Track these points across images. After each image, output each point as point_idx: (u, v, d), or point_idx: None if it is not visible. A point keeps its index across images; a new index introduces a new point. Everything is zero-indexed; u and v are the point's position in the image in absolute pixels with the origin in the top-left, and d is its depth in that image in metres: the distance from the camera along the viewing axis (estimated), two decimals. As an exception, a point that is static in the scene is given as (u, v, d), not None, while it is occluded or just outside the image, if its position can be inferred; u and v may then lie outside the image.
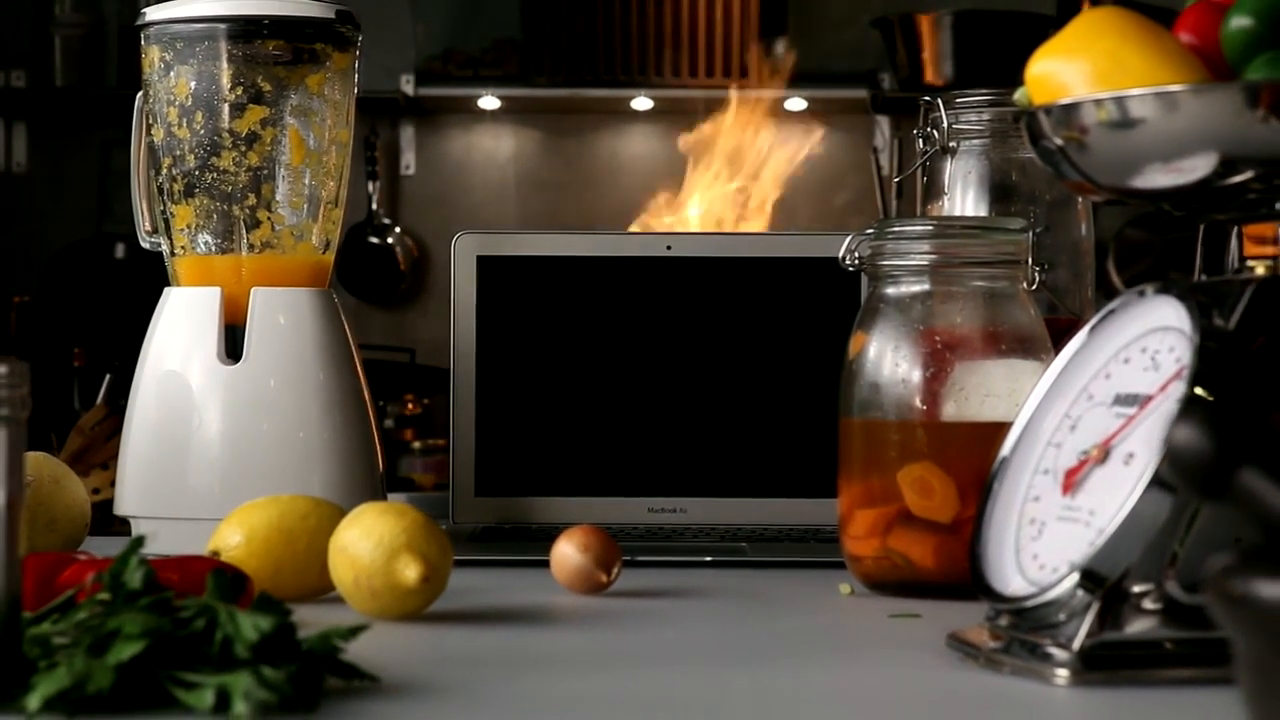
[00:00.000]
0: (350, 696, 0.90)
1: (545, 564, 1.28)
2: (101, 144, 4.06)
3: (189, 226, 1.47)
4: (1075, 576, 0.95)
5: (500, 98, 4.08)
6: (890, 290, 1.29)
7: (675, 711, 0.90)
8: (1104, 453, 0.99)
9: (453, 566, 1.16)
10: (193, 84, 1.46)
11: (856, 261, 1.33)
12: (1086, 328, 1.05)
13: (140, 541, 0.93)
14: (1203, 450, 0.62)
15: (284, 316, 1.45)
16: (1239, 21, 0.97)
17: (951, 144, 1.52)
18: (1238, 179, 0.96)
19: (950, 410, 1.26)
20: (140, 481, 1.44)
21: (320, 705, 0.87)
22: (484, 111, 4.17)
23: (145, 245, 1.51)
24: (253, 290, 1.45)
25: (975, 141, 1.51)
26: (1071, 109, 0.99)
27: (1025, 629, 0.98)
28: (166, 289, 1.49)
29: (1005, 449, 1.06)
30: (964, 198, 1.51)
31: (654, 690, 0.95)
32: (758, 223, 3.24)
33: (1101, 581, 0.94)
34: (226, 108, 1.46)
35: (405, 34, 4.05)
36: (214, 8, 1.45)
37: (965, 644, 1.02)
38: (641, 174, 4.15)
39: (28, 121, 4.09)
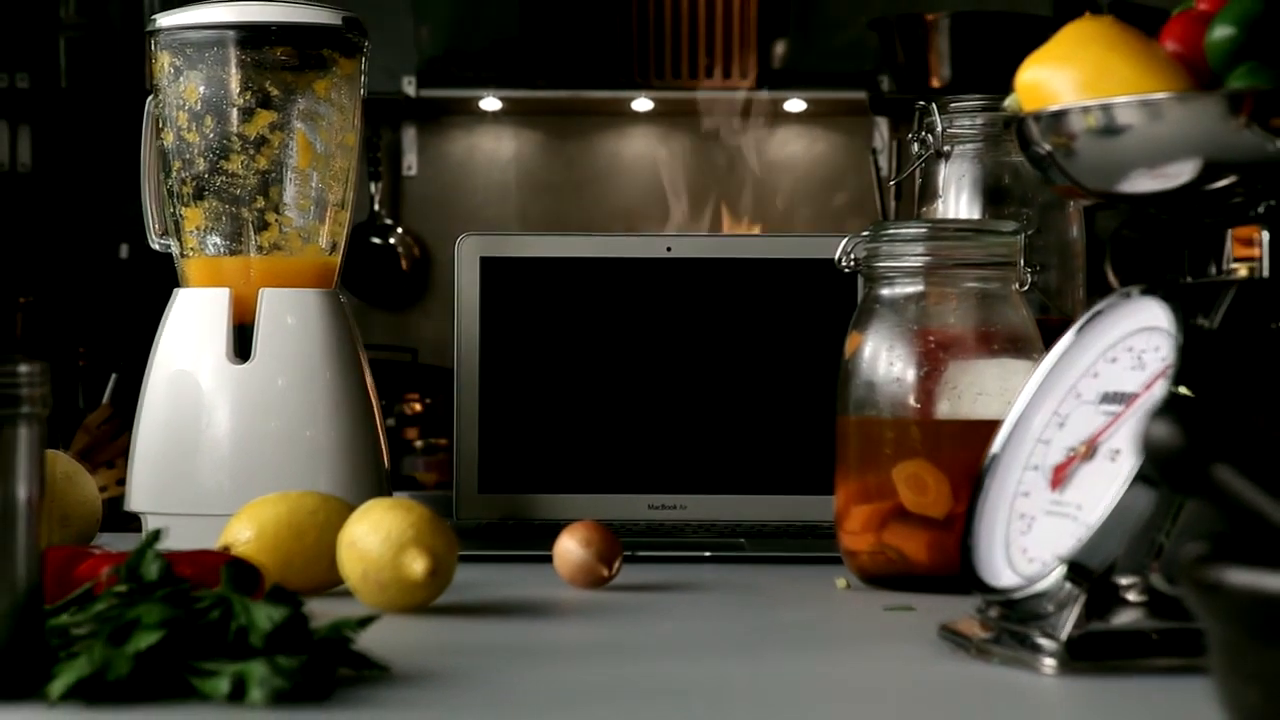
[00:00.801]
0: (361, 685, 0.93)
1: (548, 559, 1.30)
2: (105, 145, 4.08)
3: (198, 228, 1.50)
4: (1063, 569, 0.97)
5: (502, 99, 4.10)
6: (885, 291, 1.32)
7: (675, 699, 0.93)
8: (1091, 449, 1.02)
9: (458, 561, 1.19)
10: (202, 89, 1.49)
11: (852, 263, 1.36)
12: (1075, 328, 1.08)
13: (157, 535, 0.95)
14: (1175, 444, 0.65)
15: (292, 317, 1.48)
16: (1221, 31, 0.99)
17: (946, 148, 1.54)
18: (1221, 184, 0.99)
19: (944, 408, 1.29)
20: (151, 478, 1.47)
21: (333, 694, 0.90)
22: (485, 113, 4.20)
23: (155, 247, 1.54)
24: (261, 291, 1.48)
25: (969, 146, 1.54)
26: (1060, 116, 1.02)
27: (1014, 620, 1.01)
28: (176, 290, 1.51)
29: (996, 446, 1.09)
30: (958, 200, 1.54)
31: (654, 679, 0.97)
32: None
33: (1088, 574, 0.97)
34: (235, 112, 1.48)
35: (407, 35, 4.07)
36: (224, 14, 1.48)
37: (956, 635, 1.04)
38: (642, 175, 4.18)
39: (32, 122, 4.11)
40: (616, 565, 1.28)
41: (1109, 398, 1.03)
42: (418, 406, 3.93)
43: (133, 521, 1.51)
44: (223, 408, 1.46)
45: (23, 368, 0.88)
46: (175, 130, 1.50)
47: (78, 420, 3.07)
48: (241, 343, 1.47)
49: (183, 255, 1.52)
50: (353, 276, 3.97)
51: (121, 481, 2.26)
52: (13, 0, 3.99)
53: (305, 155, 1.49)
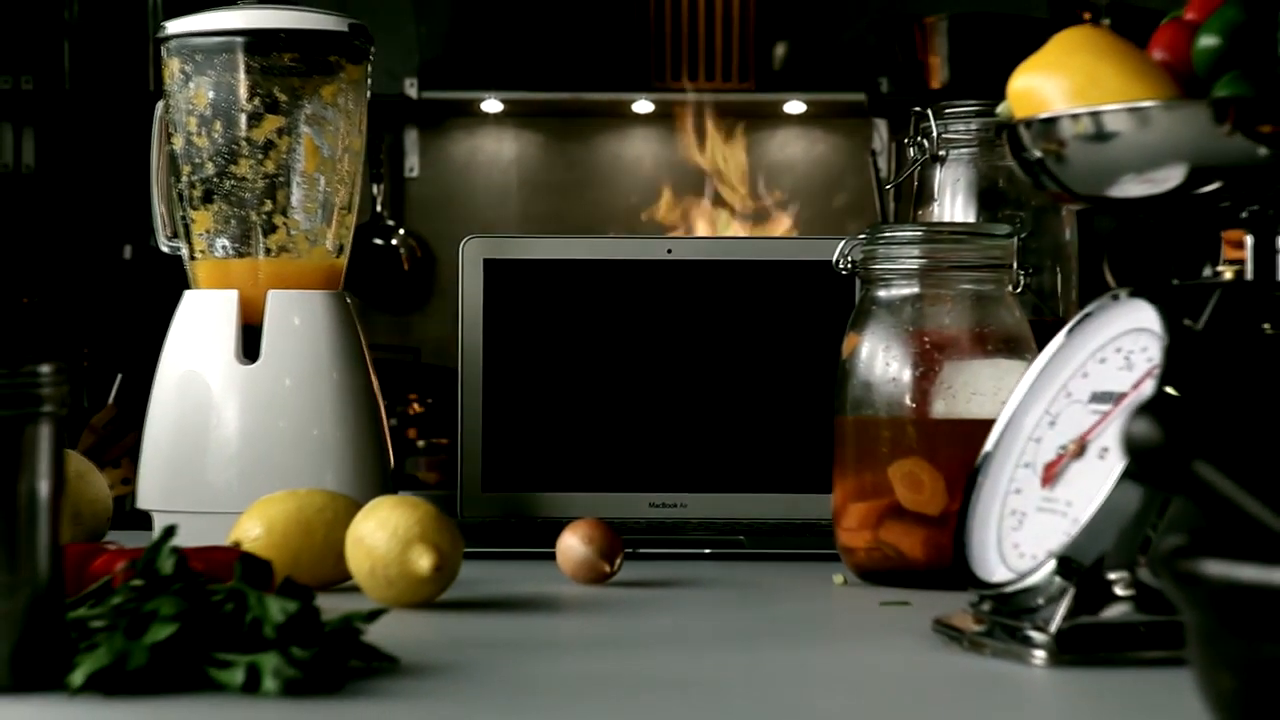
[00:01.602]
0: (371, 677, 0.95)
1: (551, 556, 1.33)
2: (109, 147, 4.10)
3: (207, 231, 1.53)
4: (1053, 564, 1.00)
5: (503, 101, 4.13)
6: (882, 293, 1.35)
7: (674, 690, 0.95)
8: (1081, 447, 1.04)
9: (462, 558, 1.21)
10: (211, 94, 1.51)
11: (850, 265, 1.39)
12: (1065, 329, 1.10)
13: (172, 531, 0.98)
14: (1154, 441, 0.68)
15: (299, 318, 1.50)
16: (1207, 40, 1.02)
17: (941, 152, 1.56)
18: (1207, 189, 1.02)
19: (939, 408, 1.32)
20: (161, 477, 1.49)
21: (345, 685, 0.93)
22: (487, 114, 4.22)
23: (165, 249, 1.57)
24: (269, 293, 1.50)
25: (964, 150, 1.56)
26: (1050, 123, 1.05)
27: (1006, 614, 1.03)
28: (186, 291, 1.54)
29: (989, 444, 1.12)
30: (953, 204, 1.56)
31: (654, 671, 1.00)
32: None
33: (1078, 568, 0.99)
34: (244, 117, 1.51)
35: (409, 37, 4.09)
36: (232, 21, 1.51)
37: (950, 628, 1.07)
38: (642, 176, 4.20)
39: (36, 124, 4.13)
40: (618, 562, 1.30)
41: (1098, 397, 1.05)
42: (419, 407, 3.95)
43: (140, 520, 1.54)
44: (231, 407, 1.48)
45: (43, 368, 0.91)
46: (184, 135, 1.52)
47: (83, 420, 3.09)
48: (249, 343, 1.50)
49: (192, 258, 1.54)
50: (354, 277, 3.95)
51: (126, 481, 2.29)
52: (17, 3, 4.01)
53: (312, 159, 1.52)
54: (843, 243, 1.39)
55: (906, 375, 1.32)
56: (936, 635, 1.08)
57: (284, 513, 1.25)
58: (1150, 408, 0.69)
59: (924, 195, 1.58)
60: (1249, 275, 1.04)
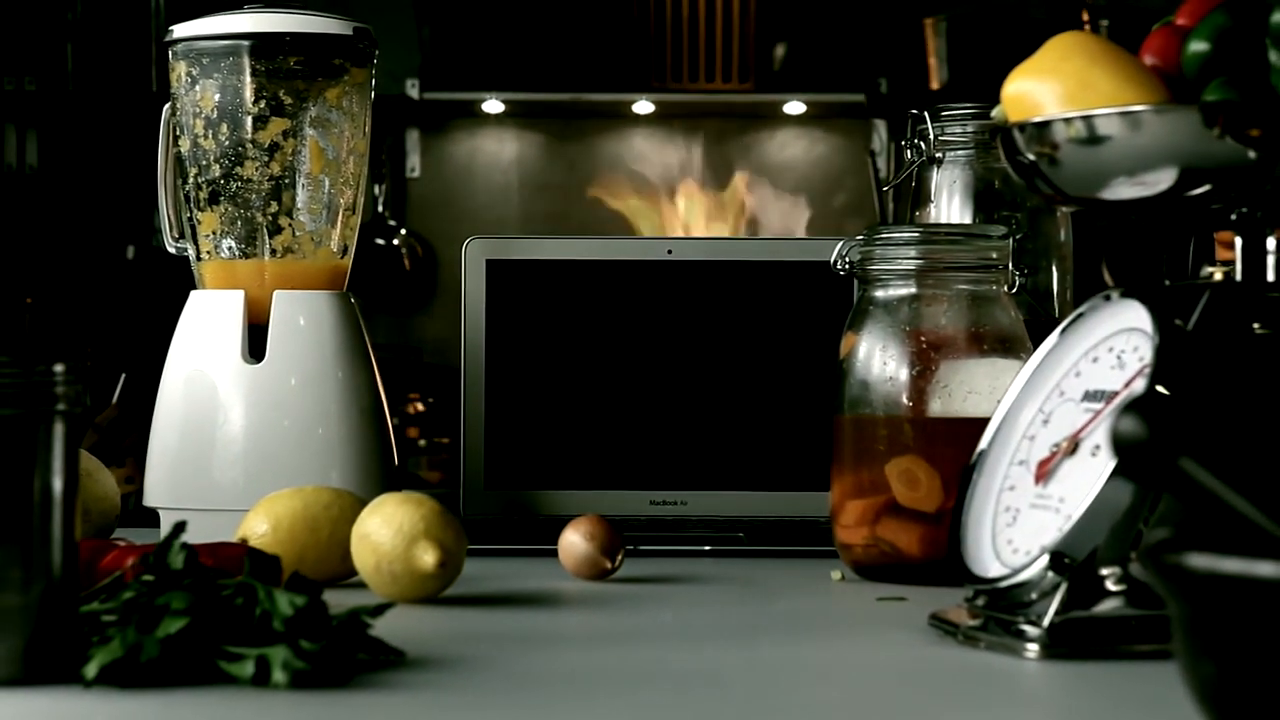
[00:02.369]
0: (378, 670, 0.97)
1: (553, 552, 1.34)
2: (112, 148, 4.11)
3: (214, 233, 1.55)
4: (1046, 559, 1.02)
5: (504, 101, 4.14)
6: (879, 293, 1.37)
7: (673, 682, 0.97)
8: (1073, 445, 1.06)
9: (466, 554, 1.23)
10: (217, 97, 1.53)
11: (847, 266, 1.40)
12: (1059, 329, 1.12)
13: (182, 527, 1.00)
14: (1139, 437, 0.70)
15: (304, 318, 1.52)
16: (1196, 46, 1.04)
17: (938, 154, 1.58)
18: (1197, 191, 1.04)
19: (935, 407, 1.33)
20: (168, 475, 1.51)
21: (353, 678, 0.94)
22: (488, 115, 4.24)
23: (172, 251, 1.58)
24: (274, 293, 1.52)
25: (960, 152, 1.57)
26: (1043, 127, 1.07)
27: (1000, 608, 1.05)
28: (192, 292, 1.55)
29: (984, 442, 1.13)
30: (949, 205, 1.58)
31: (654, 664, 1.01)
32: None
33: (1070, 564, 1.01)
34: (249, 119, 1.53)
35: (410, 38, 4.11)
36: (238, 25, 1.53)
37: (945, 622, 1.09)
38: (642, 177, 4.22)
39: (40, 125, 4.14)
40: (619, 558, 1.32)
41: (1091, 395, 1.07)
42: (420, 406, 3.97)
43: (145, 517, 1.55)
44: (237, 406, 1.50)
45: (58, 367, 0.93)
46: (191, 137, 1.54)
47: (87, 420, 3.11)
48: (255, 343, 1.51)
49: (198, 258, 1.56)
50: (356, 277, 3.98)
51: (130, 480, 2.31)
52: (20, 4, 4.02)
53: (317, 161, 1.54)
54: (841, 244, 1.40)
55: (903, 374, 1.34)
56: (932, 629, 1.10)
57: (290, 510, 1.27)
58: (1136, 405, 0.71)
59: (921, 196, 1.60)
60: (1238, 276, 1.06)
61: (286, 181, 1.53)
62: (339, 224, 1.57)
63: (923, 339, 1.34)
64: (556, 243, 1.65)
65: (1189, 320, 1.03)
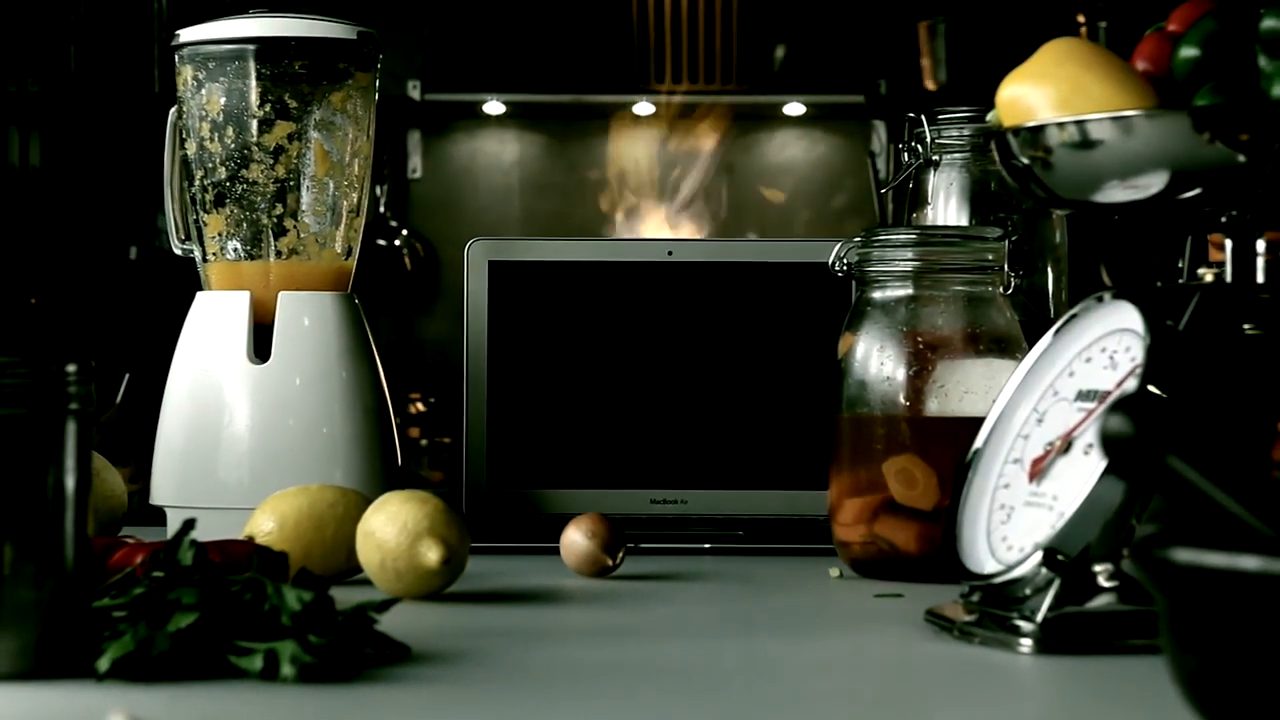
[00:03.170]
0: (383, 665, 0.98)
1: (555, 550, 1.36)
2: (115, 149, 4.12)
3: (220, 234, 1.56)
4: (1039, 556, 1.04)
5: (505, 103, 4.16)
6: (877, 294, 1.38)
7: (673, 677, 0.98)
8: (1067, 443, 1.08)
9: (469, 551, 1.24)
10: (223, 100, 1.55)
11: (846, 267, 1.42)
12: (1052, 330, 1.14)
13: (191, 524, 1.01)
14: (1127, 435, 0.71)
15: (309, 319, 1.54)
16: (1187, 52, 1.06)
17: (935, 157, 1.60)
18: (1188, 194, 1.06)
19: (932, 406, 1.35)
20: (174, 474, 1.53)
21: (360, 673, 0.96)
22: (489, 116, 4.25)
23: (178, 252, 1.60)
24: (280, 294, 1.53)
25: (957, 155, 1.59)
26: (1037, 131, 1.09)
27: (995, 604, 1.07)
28: (198, 293, 1.57)
29: (979, 441, 1.15)
30: (946, 207, 1.59)
31: (654, 659, 1.03)
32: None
33: (1063, 560, 1.03)
34: (255, 123, 1.55)
35: (411, 39, 4.13)
36: (244, 29, 1.54)
37: (941, 618, 1.11)
38: (643, 178, 4.23)
39: (42, 125, 4.15)
40: (620, 555, 1.34)
41: (1084, 395, 1.09)
42: (422, 406, 3.98)
43: (150, 515, 1.57)
44: (242, 406, 1.51)
45: (70, 367, 0.95)
46: (198, 140, 1.56)
47: (96, 419, 3.12)
48: (260, 343, 1.53)
49: (204, 260, 1.58)
50: (358, 277, 3.98)
51: (133, 479, 2.33)
52: (23, 6, 4.04)
53: (322, 164, 1.56)
54: (839, 245, 1.42)
55: (901, 374, 1.35)
56: (928, 625, 1.12)
57: (296, 508, 1.28)
58: (1124, 404, 0.73)
59: (919, 198, 1.62)
60: (1229, 278, 1.08)
61: (291, 184, 1.55)
62: (343, 226, 1.58)
63: (920, 339, 1.35)
64: (558, 244, 1.66)
65: (1180, 321, 1.05)
